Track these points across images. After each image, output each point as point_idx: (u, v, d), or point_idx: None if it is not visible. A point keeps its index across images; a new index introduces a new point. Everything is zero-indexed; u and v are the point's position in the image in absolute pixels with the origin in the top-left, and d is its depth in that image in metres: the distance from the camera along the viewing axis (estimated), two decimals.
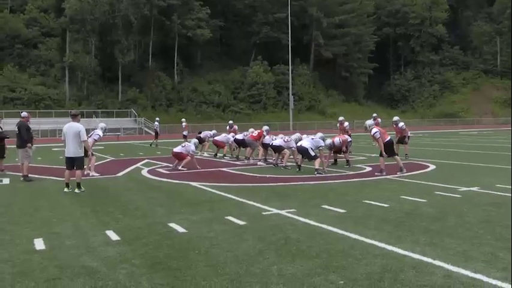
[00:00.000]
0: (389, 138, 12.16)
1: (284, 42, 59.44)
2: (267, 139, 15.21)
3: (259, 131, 15.99)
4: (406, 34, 73.91)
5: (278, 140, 14.46)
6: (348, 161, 14.26)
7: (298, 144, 13.01)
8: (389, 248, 5.20)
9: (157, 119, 30.15)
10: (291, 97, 55.06)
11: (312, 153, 12.37)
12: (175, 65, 59.59)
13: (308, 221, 6.62)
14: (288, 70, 56.58)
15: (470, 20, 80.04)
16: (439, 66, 76.18)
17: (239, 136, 17.01)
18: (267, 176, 12.05)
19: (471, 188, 9.29)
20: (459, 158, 16.47)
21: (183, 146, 14.26)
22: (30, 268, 4.74)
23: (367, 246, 5.30)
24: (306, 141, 12.75)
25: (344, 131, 17.52)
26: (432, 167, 13.57)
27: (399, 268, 4.51)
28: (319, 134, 13.22)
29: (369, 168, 13.23)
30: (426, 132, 45.10)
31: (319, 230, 6.07)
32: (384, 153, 11.84)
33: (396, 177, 11.30)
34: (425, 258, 4.80)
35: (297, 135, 14.51)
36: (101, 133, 13.38)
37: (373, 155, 17.53)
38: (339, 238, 5.67)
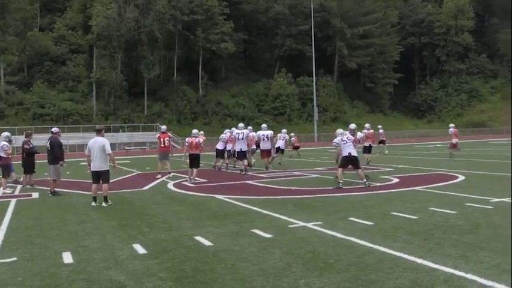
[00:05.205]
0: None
1: (308, 54, 59.50)
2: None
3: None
4: (431, 43, 73.21)
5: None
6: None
7: None
8: (420, 261, 5.06)
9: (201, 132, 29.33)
10: (316, 108, 54.90)
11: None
12: (200, 78, 60.22)
13: (335, 233, 6.52)
14: (312, 82, 56.54)
15: (497, 28, 78.75)
16: (465, 75, 75.08)
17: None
18: (293, 188, 11.97)
19: (503, 199, 9.02)
20: (489, 168, 16.07)
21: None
22: (59, 281, 4.77)
23: (397, 259, 5.18)
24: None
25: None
26: (461, 177, 13.27)
27: (430, 282, 4.38)
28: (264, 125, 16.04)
29: (396, 180, 13.02)
30: None
31: (347, 243, 5.97)
32: None
33: (424, 188, 11.09)
34: (457, 272, 4.65)
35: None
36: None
37: (399, 166, 17.31)
38: (367, 251, 5.56)
